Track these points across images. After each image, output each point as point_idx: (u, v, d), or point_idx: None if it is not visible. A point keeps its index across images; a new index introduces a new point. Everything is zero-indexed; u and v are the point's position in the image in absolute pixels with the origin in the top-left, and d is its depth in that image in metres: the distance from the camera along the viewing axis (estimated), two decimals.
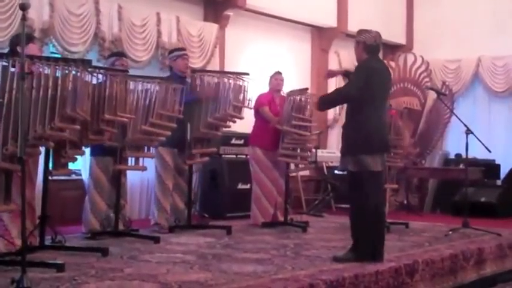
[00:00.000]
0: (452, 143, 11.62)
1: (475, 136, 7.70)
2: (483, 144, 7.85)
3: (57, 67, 4.97)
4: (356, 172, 5.35)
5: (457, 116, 8.32)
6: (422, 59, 11.88)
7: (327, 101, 5.88)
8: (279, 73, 8.02)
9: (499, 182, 10.92)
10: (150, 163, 6.90)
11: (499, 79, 11.60)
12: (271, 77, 8.00)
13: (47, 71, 4.91)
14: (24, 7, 3.89)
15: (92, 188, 6.55)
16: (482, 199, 9.90)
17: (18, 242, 5.02)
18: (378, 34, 5.53)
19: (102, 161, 6.53)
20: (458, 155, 11.08)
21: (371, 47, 5.47)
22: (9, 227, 5.16)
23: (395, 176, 7.91)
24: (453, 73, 12.03)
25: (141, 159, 6.59)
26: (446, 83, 11.81)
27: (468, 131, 7.65)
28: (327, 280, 4.51)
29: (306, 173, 10.65)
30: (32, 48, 5.37)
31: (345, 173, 5.63)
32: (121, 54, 7.00)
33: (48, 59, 5.16)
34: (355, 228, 5.40)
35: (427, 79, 11.85)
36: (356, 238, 5.37)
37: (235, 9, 9.58)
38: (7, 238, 5.02)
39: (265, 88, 8.02)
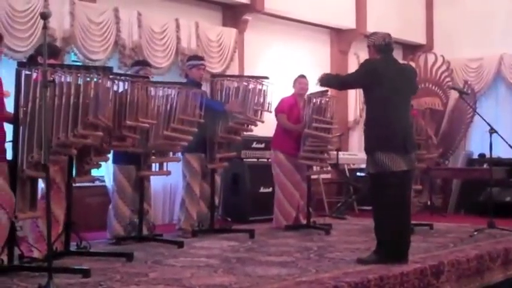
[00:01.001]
0: (476, 143, 11.55)
1: (499, 135, 7.66)
2: (507, 142, 7.79)
3: (79, 75, 5.03)
4: (375, 173, 5.35)
5: (480, 115, 8.27)
6: (443, 58, 11.81)
7: (325, 80, 5.95)
8: (303, 76, 7.97)
9: None
10: (174, 168, 6.95)
11: None
12: (295, 81, 7.96)
13: (69, 79, 4.98)
14: (45, 16, 3.95)
15: (116, 195, 6.60)
16: (508, 199, 9.83)
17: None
18: (387, 34, 5.56)
19: (125, 169, 6.58)
20: (482, 155, 10.99)
21: (381, 47, 5.48)
22: (44, 233, 5.21)
23: (419, 176, 7.88)
24: (475, 72, 11.95)
25: (165, 164, 6.64)
26: (469, 82, 11.74)
27: (492, 130, 7.61)
28: (352, 282, 4.50)
29: (328, 175, 10.64)
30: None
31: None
32: (145, 64, 7.05)
33: (70, 67, 5.23)
34: (379, 230, 5.38)
35: (448, 79, 11.78)
36: (380, 240, 5.36)
37: (253, 13, 9.62)
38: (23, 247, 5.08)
39: (285, 91, 8.00)
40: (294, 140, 7.66)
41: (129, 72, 6.81)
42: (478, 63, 11.92)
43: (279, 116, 7.77)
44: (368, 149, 5.41)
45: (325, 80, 5.91)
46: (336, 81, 5.95)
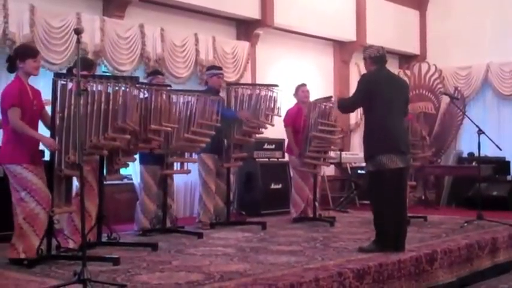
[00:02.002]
0: (465, 143, 11.49)
1: (487, 136, 7.62)
2: (494, 143, 7.77)
3: (108, 84, 5.07)
4: (374, 171, 5.34)
5: (469, 118, 8.23)
6: (436, 67, 11.77)
7: (340, 104, 6.00)
8: (304, 85, 7.95)
9: (509, 177, 10.74)
10: (192, 167, 6.97)
11: (507, 83, 11.42)
12: (297, 89, 7.92)
13: (100, 88, 5.01)
14: (78, 31, 3.97)
15: (143, 193, 6.62)
16: (494, 193, 9.78)
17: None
18: (381, 47, 5.58)
19: (151, 168, 6.59)
20: (471, 154, 10.95)
21: (376, 58, 5.48)
22: (79, 226, 5.24)
23: (413, 173, 7.85)
24: (464, 79, 11.89)
25: (185, 164, 6.66)
26: (458, 88, 11.69)
27: (480, 131, 7.57)
28: (354, 269, 4.51)
29: (332, 173, 10.63)
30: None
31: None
32: (157, 73, 7.04)
33: (100, 77, 5.27)
34: (377, 222, 5.38)
35: (440, 85, 11.74)
36: (379, 230, 5.35)
37: (264, 28, 9.63)
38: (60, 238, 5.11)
39: (293, 98, 7.98)
40: (301, 144, 7.64)
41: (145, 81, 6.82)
42: (467, 71, 11.87)
43: (286, 129, 7.80)
44: (369, 155, 5.37)
45: (342, 106, 5.96)
46: (348, 104, 5.95)
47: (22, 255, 4.69)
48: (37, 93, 4.97)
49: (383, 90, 5.34)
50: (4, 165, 4.83)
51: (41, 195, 4.74)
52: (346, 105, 5.96)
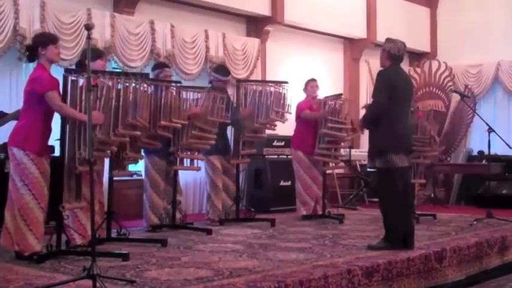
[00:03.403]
0: (475, 141, 11.45)
1: (497, 134, 7.58)
2: (504, 141, 7.72)
3: (118, 80, 5.07)
4: (383, 168, 5.32)
5: (479, 116, 8.19)
6: (446, 64, 11.72)
7: (367, 119, 5.56)
8: (313, 80, 7.91)
9: None
10: (202, 164, 6.96)
11: None
12: (307, 85, 7.89)
13: (110, 84, 5.01)
14: (89, 27, 3.96)
15: (150, 189, 6.59)
16: (504, 191, 9.73)
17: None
18: (403, 45, 5.45)
19: (156, 163, 6.55)
20: (480, 152, 10.90)
21: (394, 56, 5.41)
22: (84, 221, 5.26)
23: (423, 171, 7.82)
24: (475, 77, 11.84)
25: (195, 161, 6.66)
26: (469, 86, 11.64)
27: (490, 130, 7.54)
28: (363, 266, 4.49)
29: (341, 170, 10.60)
30: (98, 64, 5.47)
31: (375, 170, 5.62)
32: (163, 66, 6.94)
33: (111, 73, 5.27)
34: (386, 219, 5.36)
35: (450, 83, 11.68)
36: (388, 228, 5.34)
37: (274, 25, 9.62)
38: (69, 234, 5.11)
39: (303, 94, 7.97)
40: (311, 140, 7.63)
41: (150, 76, 6.71)
42: (477, 69, 11.81)
43: (303, 114, 7.67)
44: (379, 152, 5.31)
45: (367, 121, 5.54)
46: (373, 113, 5.43)
47: (16, 247, 4.71)
48: (58, 82, 4.96)
49: (400, 89, 5.32)
50: (11, 147, 4.80)
51: (38, 190, 4.74)
52: (372, 115, 5.43)
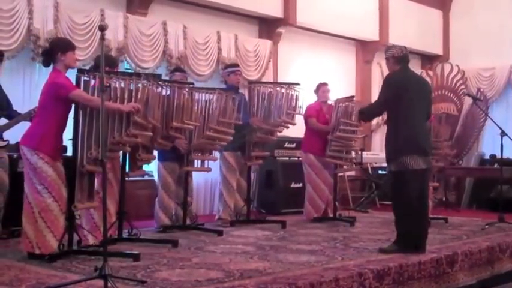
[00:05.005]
0: (487, 145, 11.40)
1: (509, 138, 7.52)
2: None
3: (131, 81, 5.07)
4: (398, 171, 5.29)
5: (492, 120, 8.14)
6: (458, 67, 11.66)
7: (366, 114, 5.88)
8: (325, 84, 7.91)
9: None
10: (213, 165, 6.96)
11: None
12: (318, 89, 7.88)
13: (122, 84, 5.02)
14: (102, 28, 3.97)
15: (161, 190, 6.63)
16: None
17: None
18: (404, 46, 5.48)
19: (169, 165, 6.60)
20: (493, 156, 10.84)
21: (400, 58, 5.40)
22: (100, 223, 5.27)
23: (435, 175, 7.79)
24: (487, 80, 11.78)
25: (206, 162, 6.66)
26: (481, 90, 11.58)
27: (503, 133, 7.49)
28: (374, 269, 4.48)
29: (352, 173, 10.58)
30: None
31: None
32: (176, 70, 7.02)
33: (123, 74, 5.28)
34: (398, 222, 5.33)
35: (463, 86, 11.62)
36: (400, 231, 5.31)
37: (286, 26, 9.61)
38: (81, 233, 5.13)
39: (315, 97, 7.95)
40: (321, 142, 7.62)
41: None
42: (490, 72, 11.75)
43: (309, 121, 7.72)
44: (393, 156, 5.29)
45: (365, 114, 5.85)
46: (373, 110, 5.75)
47: (37, 251, 4.71)
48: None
49: (409, 92, 5.28)
50: (22, 146, 4.82)
51: (57, 192, 4.76)
52: (372, 112, 5.80)
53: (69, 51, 4.89)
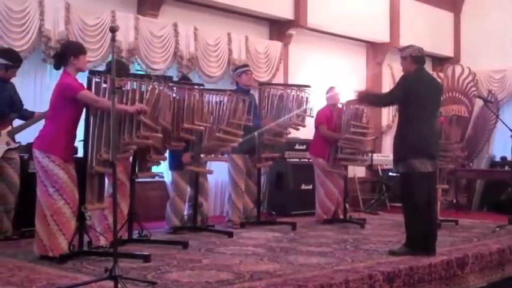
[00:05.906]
0: (498, 147, 11.31)
1: None
2: None
3: (142, 83, 5.08)
4: (406, 173, 5.28)
5: (503, 122, 8.10)
6: (469, 69, 11.62)
7: (365, 99, 5.94)
8: (333, 88, 7.89)
9: None
10: (222, 167, 6.97)
11: None
12: (327, 93, 7.85)
13: (133, 86, 5.03)
14: (113, 29, 3.97)
15: (173, 193, 6.66)
16: None
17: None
18: (420, 47, 5.47)
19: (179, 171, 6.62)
20: (503, 158, 10.79)
21: (417, 58, 5.39)
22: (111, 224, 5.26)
23: (445, 177, 7.75)
24: (498, 82, 11.71)
25: (208, 164, 6.65)
26: (492, 92, 11.52)
27: None
28: (384, 272, 4.46)
29: (363, 174, 10.55)
30: None
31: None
32: (183, 79, 6.89)
33: (134, 76, 5.29)
34: (408, 225, 5.31)
35: (473, 88, 11.58)
36: (410, 233, 5.29)
37: (297, 28, 9.59)
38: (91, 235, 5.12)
39: (324, 99, 7.94)
40: (330, 146, 7.60)
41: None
42: (501, 74, 11.68)
43: (319, 128, 7.70)
44: (401, 157, 5.28)
45: (365, 99, 5.87)
46: (377, 100, 5.84)
47: (50, 253, 4.72)
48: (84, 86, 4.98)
49: (422, 93, 5.27)
50: (34, 149, 4.84)
51: (69, 193, 4.77)
52: (373, 100, 5.90)
53: (81, 55, 4.92)
